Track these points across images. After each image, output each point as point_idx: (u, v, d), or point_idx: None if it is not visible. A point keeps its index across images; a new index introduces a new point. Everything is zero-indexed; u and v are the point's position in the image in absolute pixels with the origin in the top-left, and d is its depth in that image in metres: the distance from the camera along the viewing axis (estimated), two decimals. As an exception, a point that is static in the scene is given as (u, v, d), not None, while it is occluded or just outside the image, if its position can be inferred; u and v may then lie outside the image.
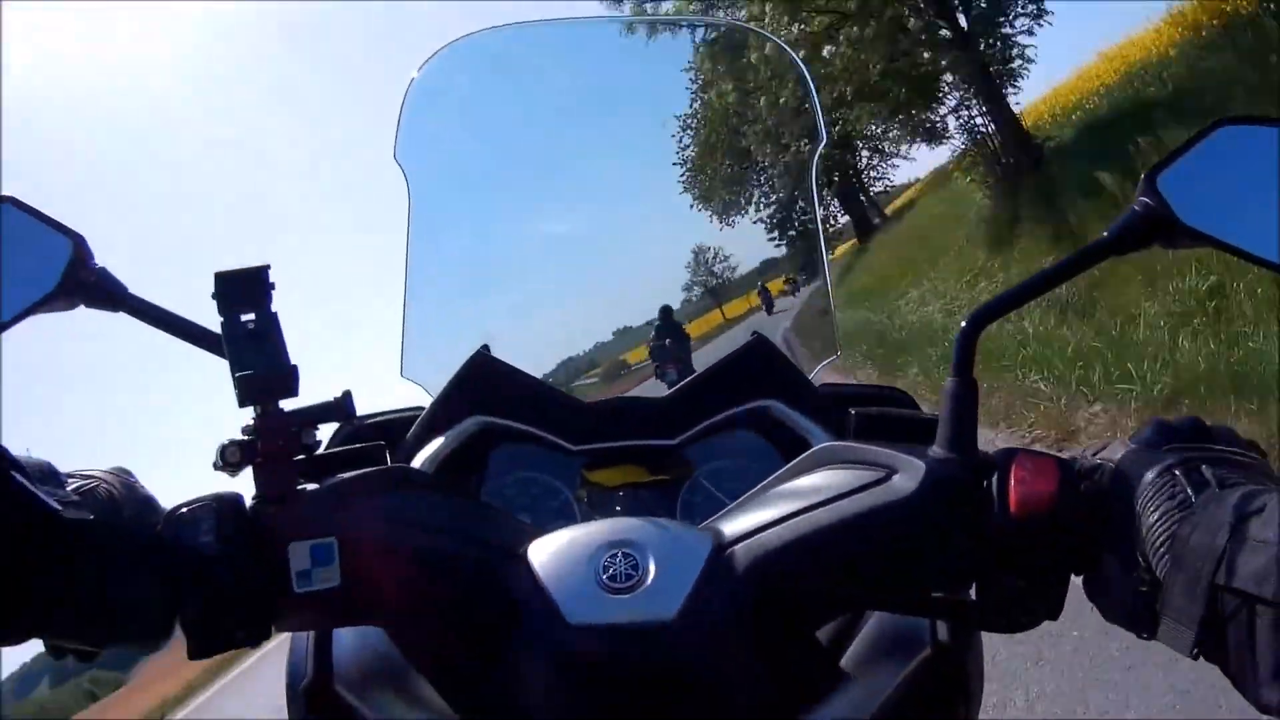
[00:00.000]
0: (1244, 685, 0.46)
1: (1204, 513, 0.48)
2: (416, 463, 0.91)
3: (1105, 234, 0.58)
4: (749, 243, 1.25)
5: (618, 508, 0.96)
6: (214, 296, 0.58)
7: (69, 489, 0.53)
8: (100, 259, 0.63)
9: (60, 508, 0.50)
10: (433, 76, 1.04)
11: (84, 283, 0.62)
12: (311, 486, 0.57)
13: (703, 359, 1.08)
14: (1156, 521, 0.49)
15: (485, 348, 1.02)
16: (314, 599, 0.54)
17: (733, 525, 0.59)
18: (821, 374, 1.09)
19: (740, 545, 0.57)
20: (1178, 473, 0.50)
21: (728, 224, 1.25)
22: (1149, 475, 0.51)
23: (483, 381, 0.97)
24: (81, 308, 0.63)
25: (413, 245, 1.03)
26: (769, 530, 0.57)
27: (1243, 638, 0.45)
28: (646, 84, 1.21)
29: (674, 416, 0.99)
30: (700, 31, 1.23)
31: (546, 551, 0.57)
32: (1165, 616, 0.48)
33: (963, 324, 0.57)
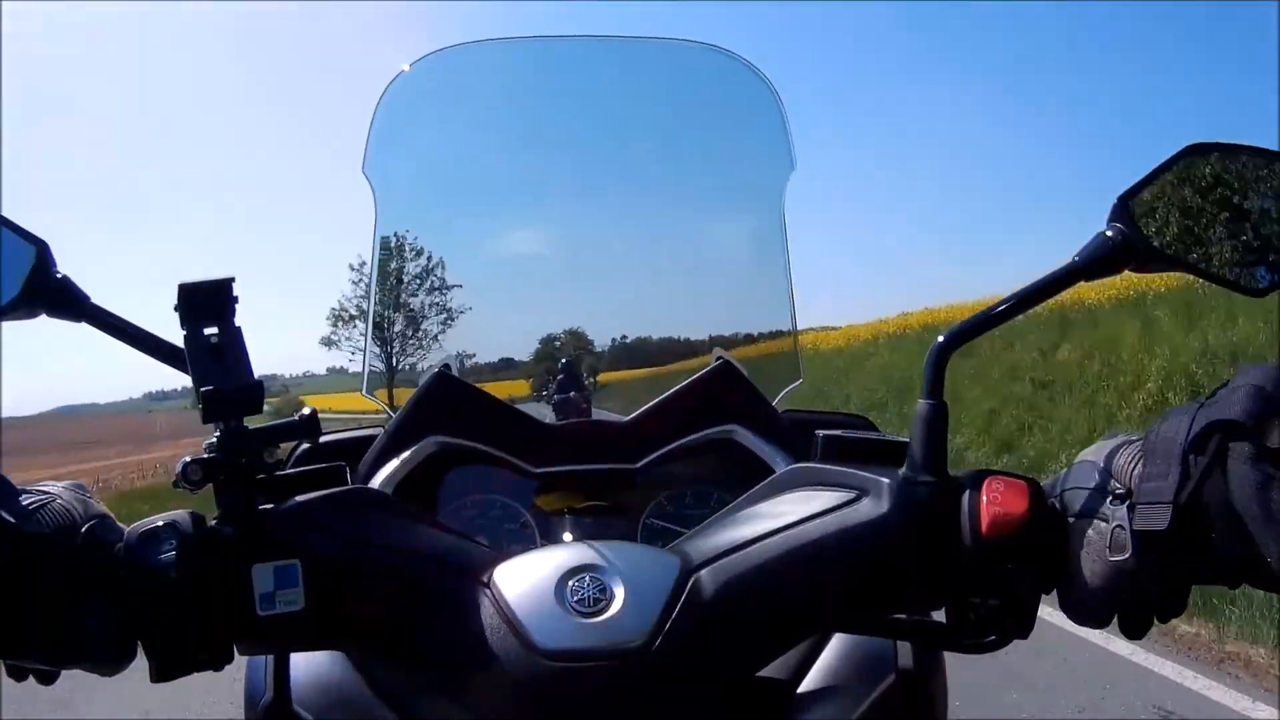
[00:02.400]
0: (1227, 550, 0.47)
1: (1171, 418, 0.50)
2: (375, 483, 0.89)
3: (1075, 258, 0.58)
4: (713, 274, 1.25)
5: (574, 532, 0.95)
6: (176, 309, 0.56)
7: (23, 503, 0.51)
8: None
9: (14, 521, 0.48)
10: (403, 92, 1.04)
11: (46, 291, 0.60)
12: (273, 506, 0.56)
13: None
14: (1123, 466, 0.51)
15: (446, 367, 1.01)
16: (277, 622, 0.53)
17: (700, 547, 0.58)
18: (785, 400, 1.09)
19: (709, 568, 0.56)
20: (1137, 442, 0.52)
21: (696, 251, 1.25)
22: (1113, 459, 0.53)
23: (442, 401, 0.96)
24: (43, 316, 0.61)
25: (377, 260, 1.02)
26: (738, 552, 0.56)
27: (1218, 488, 0.46)
28: (617, 104, 1.21)
29: (636, 440, 0.98)
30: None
31: (512, 575, 0.56)
32: (1139, 506, 0.49)
33: (934, 345, 0.57)
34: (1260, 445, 0.45)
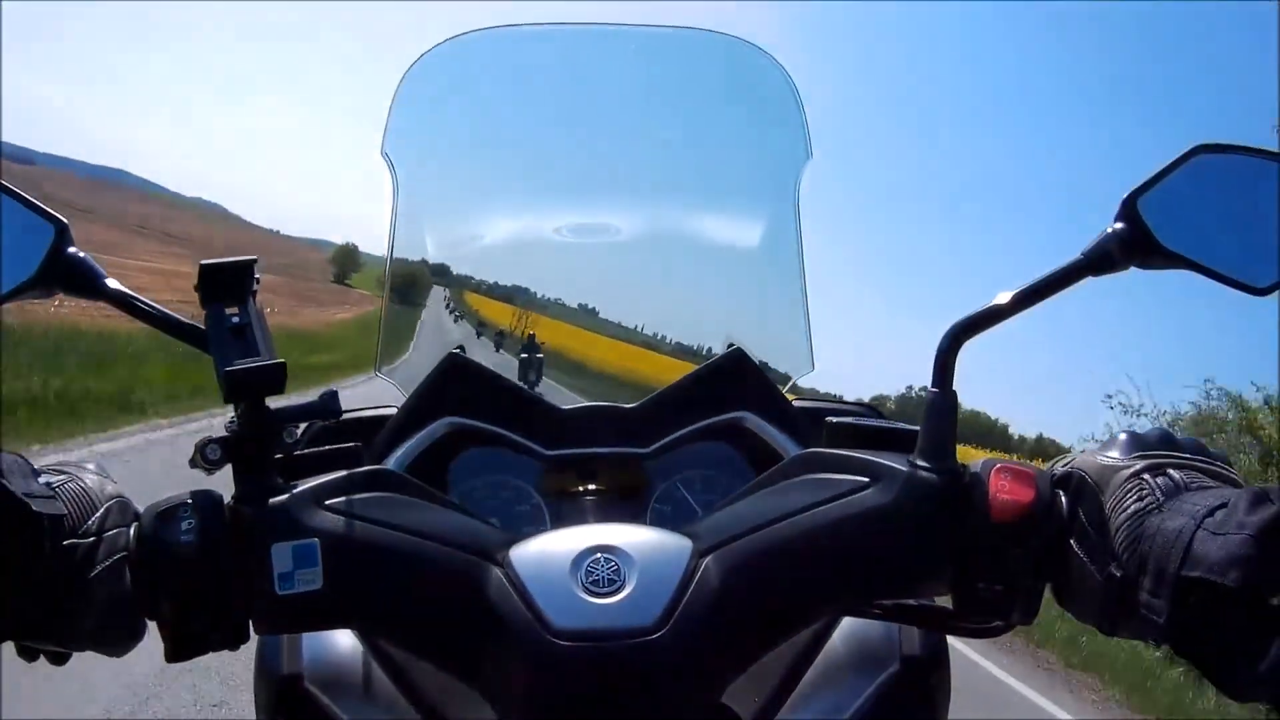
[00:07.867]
0: (1214, 675, 0.48)
1: (1170, 509, 0.49)
2: (389, 463, 0.90)
3: (1081, 255, 0.59)
4: (726, 261, 1.27)
5: (585, 515, 0.97)
6: (197, 288, 0.57)
7: (42, 482, 0.51)
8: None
9: (30, 501, 0.48)
10: (424, 74, 1.05)
11: (64, 270, 0.60)
12: (292, 486, 0.56)
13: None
14: (1125, 520, 0.51)
15: (460, 348, 1.02)
16: (295, 601, 0.53)
17: (712, 531, 0.59)
18: (795, 388, 1.10)
19: (720, 550, 0.57)
20: (1146, 477, 0.52)
21: (708, 235, 1.26)
22: (1119, 479, 0.53)
23: (456, 383, 0.97)
24: (60, 295, 0.61)
25: (395, 240, 1.03)
26: (749, 536, 0.57)
27: (1210, 627, 0.47)
28: (632, 91, 1.22)
29: (646, 425, 1.00)
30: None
31: (528, 555, 0.57)
32: (1136, 610, 0.50)
33: (945, 334, 0.58)
34: (1254, 607, 0.45)
